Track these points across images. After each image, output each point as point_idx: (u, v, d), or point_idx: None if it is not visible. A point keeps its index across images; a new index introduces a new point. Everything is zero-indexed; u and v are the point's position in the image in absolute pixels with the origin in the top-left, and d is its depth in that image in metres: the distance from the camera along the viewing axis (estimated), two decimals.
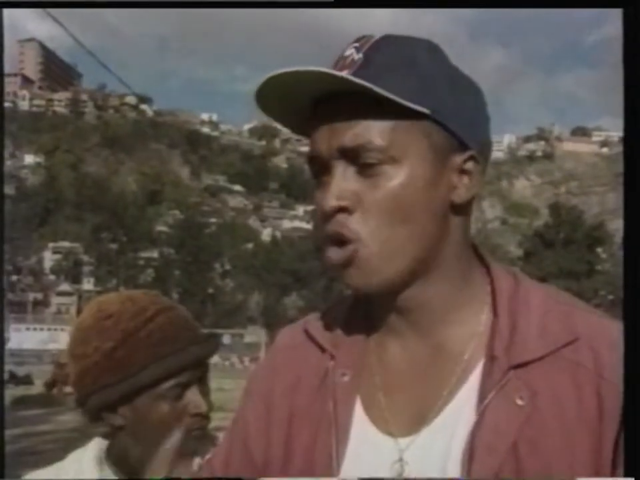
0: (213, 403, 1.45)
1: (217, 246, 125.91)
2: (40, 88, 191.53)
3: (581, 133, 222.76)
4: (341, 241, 0.91)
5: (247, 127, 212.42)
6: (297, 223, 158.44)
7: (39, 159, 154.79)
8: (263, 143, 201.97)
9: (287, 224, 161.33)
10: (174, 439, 1.28)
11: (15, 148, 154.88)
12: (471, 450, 0.88)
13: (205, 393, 1.44)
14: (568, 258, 58.97)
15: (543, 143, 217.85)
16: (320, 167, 0.94)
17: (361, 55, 0.93)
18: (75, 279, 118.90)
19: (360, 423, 0.97)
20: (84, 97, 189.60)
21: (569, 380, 0.90)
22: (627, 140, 0.87)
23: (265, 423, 1.04)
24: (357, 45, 0.95)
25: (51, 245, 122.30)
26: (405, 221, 0.91)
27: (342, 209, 0.91)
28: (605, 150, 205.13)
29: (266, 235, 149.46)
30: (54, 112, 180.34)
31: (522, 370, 0.90)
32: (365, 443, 0.95)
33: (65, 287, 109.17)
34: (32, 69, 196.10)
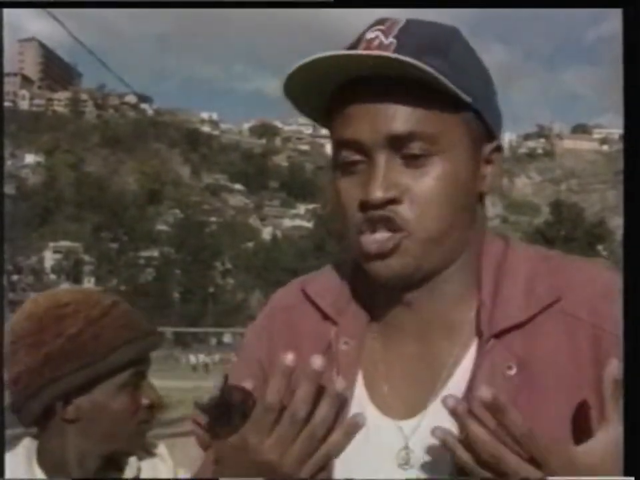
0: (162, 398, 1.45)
1: (217, 245, 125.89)
2: (40, 87, 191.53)
3: (581, 130, 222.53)
4: (384, 229, 0.89)
5: (247, 125, 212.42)
6: (297, 222, 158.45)
7: (39, 158, 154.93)
8: (264, 141, 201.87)
9: (287, 223, 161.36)
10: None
11: (15, 147, 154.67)
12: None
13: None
14: None
15: (543, 140, 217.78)
16: (355, 154, 0.90)
17: (392, 39, 0.89)
18: (76, 278, 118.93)
19: (360, 404, 0.95)
20: (84, 96, 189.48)
21: (565, 336, 0.88)
22: (626, 140, 0.87)
23: (260, 383, 0.96)
24: (381, 27, 0.91)
25: (51, 244, 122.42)
26: (448, 210, 0.89)
27: (389, 201, 0.88)
28: (605, 147, 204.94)
29: (266, 233, 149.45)
30: (54, 111, 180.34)
31: (509, 336, 0.88)
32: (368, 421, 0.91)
33: (65, 286, 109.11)
34: (32, 68, 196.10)
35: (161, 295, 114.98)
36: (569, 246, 59.63)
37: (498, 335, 0.89)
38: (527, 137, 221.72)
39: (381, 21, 0.93)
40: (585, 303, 0.89)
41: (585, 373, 0.86)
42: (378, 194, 0.87)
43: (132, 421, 1.38)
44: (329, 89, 0.92)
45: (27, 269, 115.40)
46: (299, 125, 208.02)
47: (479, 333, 0.91)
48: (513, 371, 0.86)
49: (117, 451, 1.41)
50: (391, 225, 0.88)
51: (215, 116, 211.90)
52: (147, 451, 1.48)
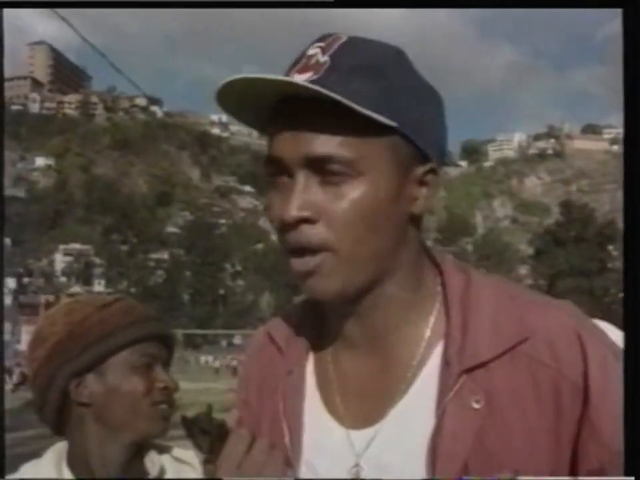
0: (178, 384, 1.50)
1: (227, 247, 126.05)
2: (50, 91, 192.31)
3: (591, 130, 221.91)
4: (304, 251, 0.91)
5: None
6: None
7: (50, 161, 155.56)
8: None
9: None
10: None
11: (25, 151, 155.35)
12: (432, 457, 0.88)
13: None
14: (579, 256, 58.72)
15: (553, 140, 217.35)
16: (279, 170, 0.92)
17: (327, 58, 0.90)
18: (86, 280, 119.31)
19: (319, 418, 1.00)
20: (94, 99, 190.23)
21: (527, 377, 0.90)
22: (626, 140, 0.86)
23: (246, 416, 1.08)
24: (321, 44, 0.92)
25: (61, 247, 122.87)
26: (368, 231, 0.90)
27: (304, 220, 0.89)
28: (615, 147, 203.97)
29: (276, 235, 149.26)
30: (64, 114, 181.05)
31: (477, 372, 0.90)
32: (323, 437, 0.99)
33: (76, 288, 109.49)
34: (42, 71, 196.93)
35: (170, 297, 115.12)
36: (579, 246, 59.29)
37: (468, 370, 0.90)
38: (537, 137, 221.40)
39: (323, 37, 0.94)
40: (547, 348, 0.90)
41: (546, 416, 0.88)
42: (292, 213, 0.88)
43: (145, 402, 1.42)
44: (261, 105, 0.93)
45: (38, 272, 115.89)
46: None
47: (446, 363, 0.92)
48: (480, 404, 0.88)
49: (138, 441, 1.44)
50: (306, 247, 0.90)
51: (224, 118, 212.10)
52: (162, 448, 1.52)
